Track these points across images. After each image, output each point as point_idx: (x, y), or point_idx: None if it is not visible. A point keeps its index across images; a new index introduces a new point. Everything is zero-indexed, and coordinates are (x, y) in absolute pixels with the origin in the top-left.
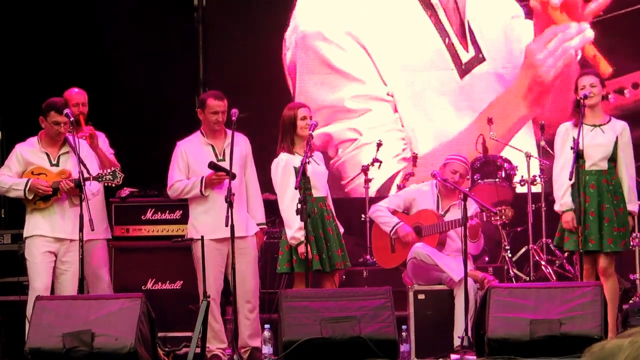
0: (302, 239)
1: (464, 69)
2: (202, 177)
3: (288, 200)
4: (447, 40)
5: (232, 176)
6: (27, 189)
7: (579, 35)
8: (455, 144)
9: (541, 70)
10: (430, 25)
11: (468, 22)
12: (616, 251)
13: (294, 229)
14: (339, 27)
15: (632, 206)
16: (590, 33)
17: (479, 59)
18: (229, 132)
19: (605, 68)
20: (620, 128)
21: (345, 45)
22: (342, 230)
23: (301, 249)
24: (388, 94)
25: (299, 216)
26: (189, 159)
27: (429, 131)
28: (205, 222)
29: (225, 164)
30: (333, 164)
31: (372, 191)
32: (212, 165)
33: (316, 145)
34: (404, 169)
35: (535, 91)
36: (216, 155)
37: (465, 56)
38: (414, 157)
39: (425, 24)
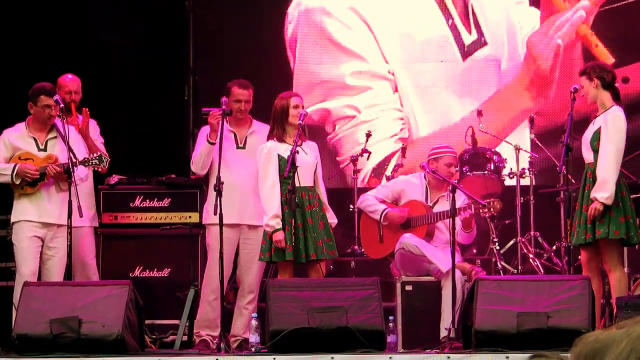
0: (277, 226)
1: (466, 51)
2: (207, 137)
3: (267, 188)
4: (450, 21)
5: (227, 112)
6: (14, 174)
7: (569, 21)
8: (454, 130)
9: (540, 62)
10: (434, 5)
11: (472, 4)
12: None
13: (269, 216)
14: (342, 2)
15: (595, 193)
16: (580, 15)
17: (481, 42)
18: (255, 121)
19: (607, 59)
20: (607, 117)
21: (348, 20)
22: (334, 221)
23: (276, 237)
24: (389, 72)
25: (275, 204)
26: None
27: (428, 114)
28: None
29: (243, 152)
30: (330, 140)
31: (369, 168)
32: (203, 113)
33: (305, 136)
34: (401, 149)
35: (537, 83)
36: (236, 143)
37: (468, 38)
38: (404, 149)
39: (429, 4)
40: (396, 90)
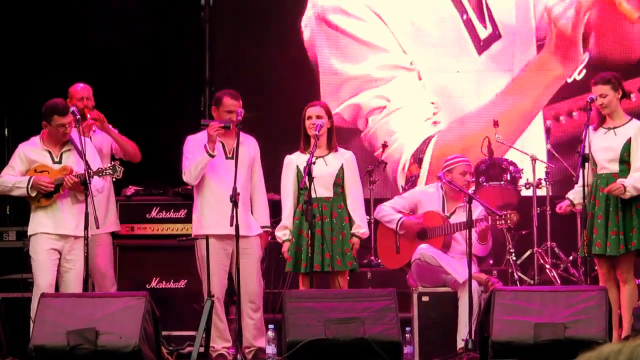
0: (284, 237)
1: (482, 46)
2: (205, 146)
3: (283, 199)
4: (465, 16)
5: (227, 126)
6: (29, 187)
7: None
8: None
9: (560, 23)
10: (448, 1)
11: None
12: (612, 255)
13: (278, 226)
14: (357, 1)
15: (627, 181)
16: None
17: (495, 35)
18: (241, 133)
19: (631, 14)
20: (635, 130)
21: (365, 16)
22: (360, 231)
23: (284, 247)
24: (410, 63)
25: (285, 215)
26: (201, 150)
27: (445, 108)
28: (209, 217)
29: (231, 163)
30: (364, 137)
31: (407, 156)
32: (203, 124)
33: (331, 147)
34: (437, 134)
35: (562, 47)
36: (225, 153)
37: (483, 33)
38: (420, 160)
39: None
40: (420, 78)
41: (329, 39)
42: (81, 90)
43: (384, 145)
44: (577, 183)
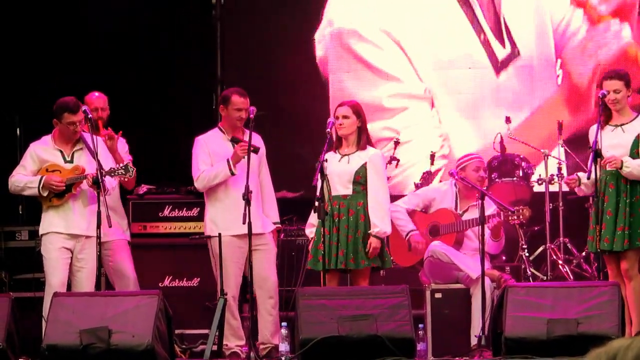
0: (310, 235)
1: (500, 66)
2: (227, 159)
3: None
4: (482, 36)
5: (255, 150)
6: (40, 186)
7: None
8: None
9: (576, 79)
10: (466, 22)
11: (504, 16)
12: (618, 251)
13: (307, 224)
14: (374, 24)
15: (630, 162)
16: (627, 32)
17: (514, 54)
18: (247, 131)
19: None
20: None
21: (381, 43)
22: (379, 230)
23: (310, 246)
24: (425, 91)
25: (312, 212)
26: (211, 151)
27: (465, 130)
28: (223, 219)
29: (243, 161)
30: None
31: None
32: (234, 139)
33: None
34: (445, 166)
35: (574, 100)
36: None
37: (502, 52)
38: (432, 156)
39: (461, 20)
40: (433, 106)
41: (343, 61)
42: (96, 100)
43: (396, 143)
44: (588, 179)
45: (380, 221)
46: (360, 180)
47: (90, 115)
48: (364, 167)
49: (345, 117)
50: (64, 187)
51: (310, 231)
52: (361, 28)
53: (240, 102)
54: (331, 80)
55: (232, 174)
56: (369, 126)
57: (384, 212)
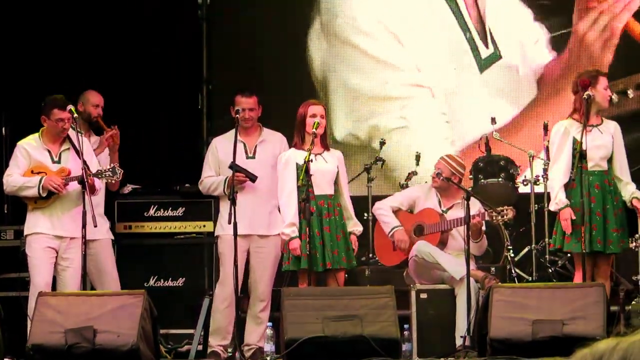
0: (292, 235)
1: (483, 65)
2: (226, 178)
3: (285, 196)
4: (467, 34)
5: (252, 179)
6: (40, 187)
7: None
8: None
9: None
10: (453, 19)
11: (487, 24)
12: (615, 252)
13: (285, 224)
14: (371, 16)
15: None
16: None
17: (497, 56)
18: (265, 130)
19: None
20: (613, 128)
21: (379, 34)
22: (358, 228)
23: (291, 245)
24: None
25: (291, 212)
26: (219, 155)
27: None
28: (227, 218)
29: (253, 162)
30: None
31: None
32: (232, 167)
33: (325, 146)
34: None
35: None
36: (246, 153)
37: (485, 52)
38: (417, 156)
39: (448, 17)
40: (433, 95)
41: (342, 56)
42: (97, 96)
43: (382, 143)
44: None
45: (357, 220)
46: (336, 180)
47: (75, 115)
48: (337, 167)
49: (322, 116)
50: (64, 190)
51: (292, 230)
52: (359, 19)
53: (242, 101)
54: (331, 77)
55: (225, 194)
56: (377, 119)
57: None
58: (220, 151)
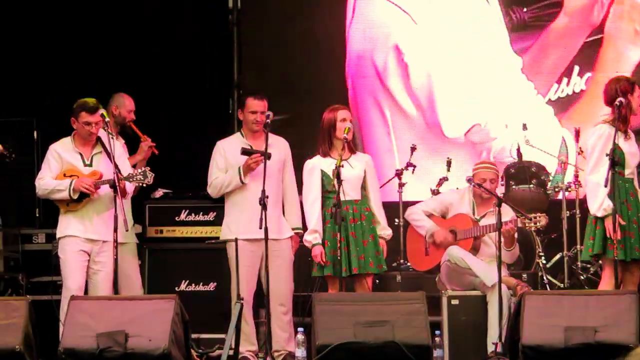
0: (314, 242)
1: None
2: (239, 167)
3: (308, 203)
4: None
5: (268, 156)
6: (71, 189)
7: None
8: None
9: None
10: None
11: None
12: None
13: (308, 231)
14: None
15: None
16: None
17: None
18: (270, 134)
19: None
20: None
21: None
22: (387, 232)
23: (314, 251)
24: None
25: (314, 219)
26: (227, 156)
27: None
28: (239, 223)
29: (261, 166)
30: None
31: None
32: (244, 151)
33: (354, 150)
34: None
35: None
36: None
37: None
38: (449, 162)
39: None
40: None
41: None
42: (132, 102)
43: (413, 149)
44: (605, 186)
45: (386, 225)
46: (363, 185)
47: (107, 120)
48: (364, 172)
49: (350, 120)
50: (95, 192)
51: (314, 237)
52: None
53: (254, 104)
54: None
55: (242, 183)
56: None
57: (384, 216)
58: (228, 152)
